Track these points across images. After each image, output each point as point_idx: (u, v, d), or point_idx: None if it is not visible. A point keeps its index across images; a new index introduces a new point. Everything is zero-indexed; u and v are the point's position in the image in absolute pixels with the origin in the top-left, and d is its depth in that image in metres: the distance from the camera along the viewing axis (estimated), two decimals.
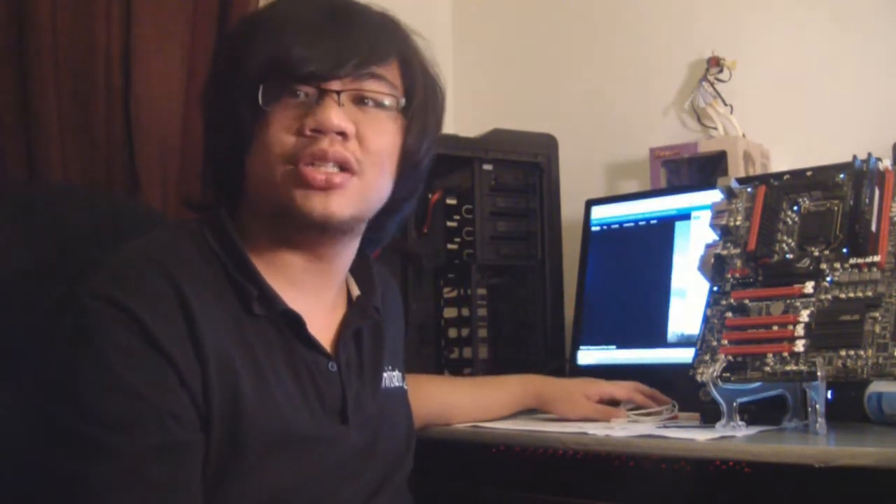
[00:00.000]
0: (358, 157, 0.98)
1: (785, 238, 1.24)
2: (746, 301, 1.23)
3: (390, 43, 1.03)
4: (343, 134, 0.97)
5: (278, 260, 1.02)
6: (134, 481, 0.86)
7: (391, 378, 1.12)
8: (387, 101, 1.01)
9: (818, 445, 1.08)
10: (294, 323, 1.01)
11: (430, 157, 1.09)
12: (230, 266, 0.98)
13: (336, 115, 0.96)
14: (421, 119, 1.05)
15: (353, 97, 0.99)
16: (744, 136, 1.78)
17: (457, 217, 1.74)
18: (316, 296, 1.06)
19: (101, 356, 0.87)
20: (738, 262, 1.26)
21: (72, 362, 0.88)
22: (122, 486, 0.86)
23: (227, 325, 0.95)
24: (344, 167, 0.98)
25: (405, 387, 1.17)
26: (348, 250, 1.08)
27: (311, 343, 1.02)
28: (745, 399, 1.20)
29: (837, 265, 1.18)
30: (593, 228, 1.76)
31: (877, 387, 1.21)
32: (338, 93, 0.97)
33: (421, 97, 1.05)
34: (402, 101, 1.03)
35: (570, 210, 1.83)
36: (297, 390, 0.99)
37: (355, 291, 1.13)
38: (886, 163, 1.21)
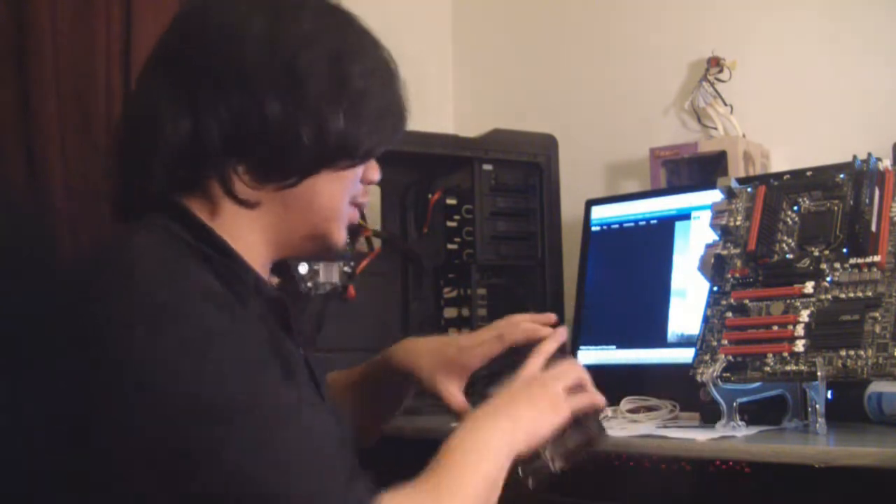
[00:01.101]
0: None
1: (785, 238, 1.24)
2: (746, 301, 1.23)
3: None
4: None
5: (253, 252, 0.99)
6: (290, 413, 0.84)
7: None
8: None
9: (818, 445, 1.08)
10: (280, 310, 1.00)
11: None
12: (216, 258, 0.94)
13: None
14: None
15: None
16: (744, 136, 1.78)
17: (457, 217, 1.74)
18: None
19: (210, 334, 0.84)
20: (738, 262, 1.26)
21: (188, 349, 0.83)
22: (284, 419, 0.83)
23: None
24: None
25: None
26: None
27: (289, 329, 1.01)
28: (745, 399, 1.20)
29: (837, 265, 1.18)
30: (593, 228, 1.76)
31: (877, 387, 1.21)
32: None
33: None
34: None
35: (570, 210, 1.83)
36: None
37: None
38: (886, 163, 1.21)
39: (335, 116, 0.95)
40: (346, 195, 1.01)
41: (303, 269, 1.59)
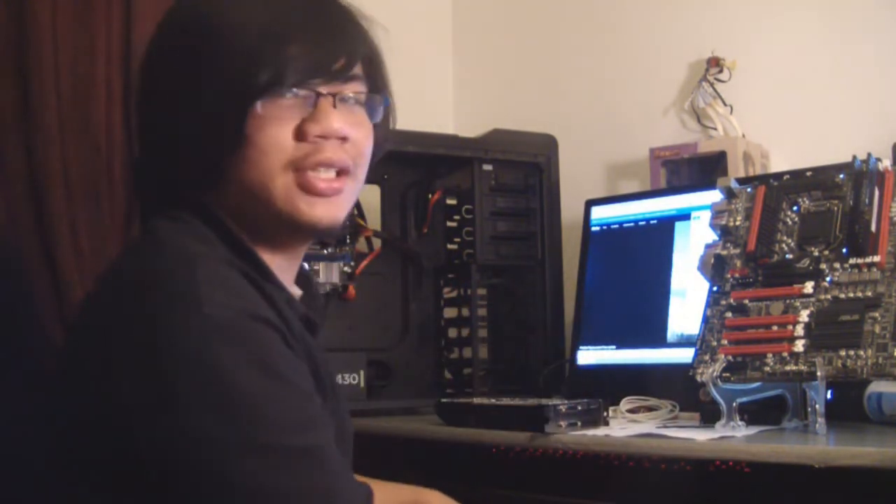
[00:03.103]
0: (354, 161, 0.98)
1: (785, 238, 1.24)
2: (746, 301, 1.23)
3: (364, 39, 1.01)
4: (343, 138, 0.96)
5: (266, 259, 0.97)
6: (329, 475, 0.85)
7: None
8: (365, 100, 1.00)
9: (818, 445, 1.08)
10: (311, 328, 0.99)
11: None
12: (250, 270, 0.93)
13: (337, 119, 0.95)
14: (388, 113, 1.04)
15: (340, 98, 0.97)
16: (743, 136, 1.78)
17: (457, 217, 1.74)
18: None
19: (273, 364, 0.84)
20: (738, 262, 1.26)
21: (244, 379, 0.82)
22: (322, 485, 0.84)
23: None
24: (341, 171, 0.97)
25: None
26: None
27: (314, 332, 1.01)
28: (745, 399, 1.20)
29: (837, 265, 1.18)
30: (593, 228, 1.76)
31: (876, 387, 1.21)
32: (333, 95, 0.96)
33: (386, 91, 1.04)
34: (374, 96, 1.01)
35: (570, 210, 1.83)
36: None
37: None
38: (886, 163, 1.21)
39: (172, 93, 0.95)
40: (266, 163, 0.93)
41: None
